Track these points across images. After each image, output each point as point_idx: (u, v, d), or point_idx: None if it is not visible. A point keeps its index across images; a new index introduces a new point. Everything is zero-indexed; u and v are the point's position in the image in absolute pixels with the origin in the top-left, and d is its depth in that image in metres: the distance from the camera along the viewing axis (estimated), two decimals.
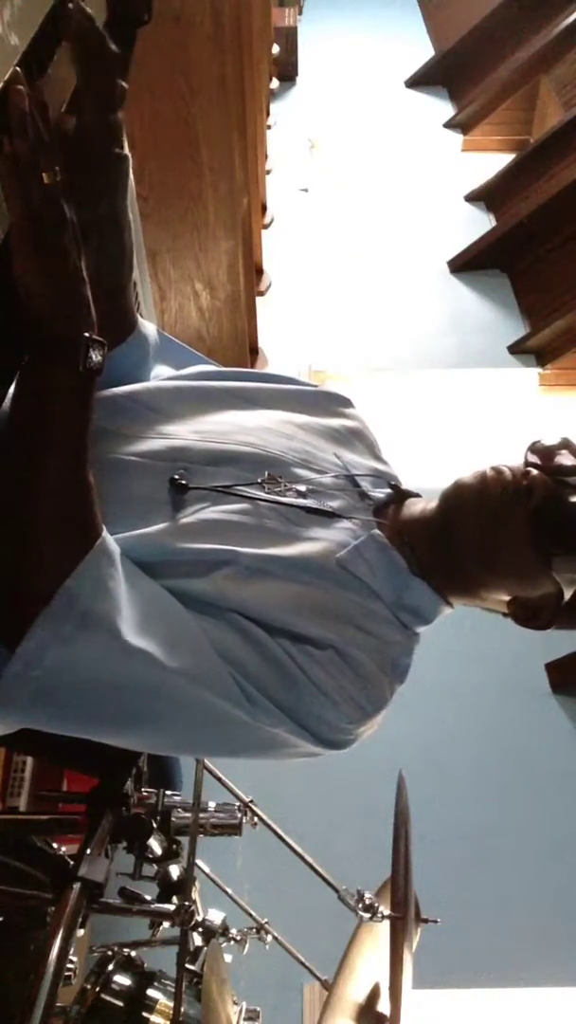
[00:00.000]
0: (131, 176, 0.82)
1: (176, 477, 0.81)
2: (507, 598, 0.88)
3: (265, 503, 0.82)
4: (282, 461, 0.87)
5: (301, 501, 0.84)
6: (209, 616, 0.73)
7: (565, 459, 0.84)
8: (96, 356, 0.66)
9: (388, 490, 0.93)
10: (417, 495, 0.95)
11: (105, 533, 0.70)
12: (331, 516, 0.85)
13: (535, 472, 0.83)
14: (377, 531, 0.87)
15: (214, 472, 0.83)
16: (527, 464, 0.86)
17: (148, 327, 1.01)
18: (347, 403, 1.04)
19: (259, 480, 0.84)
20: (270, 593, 0.76)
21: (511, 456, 0.89)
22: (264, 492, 0.83)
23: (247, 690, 0.71)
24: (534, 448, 0.87)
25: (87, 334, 0.66)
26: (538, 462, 0.85)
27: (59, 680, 0.66)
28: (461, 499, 0.86)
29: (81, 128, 0.76)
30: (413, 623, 0.87)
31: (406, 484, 0.97)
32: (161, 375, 1.01)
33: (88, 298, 0.67)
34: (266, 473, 0.85)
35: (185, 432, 0.88)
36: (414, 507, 0.92)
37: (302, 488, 0.86)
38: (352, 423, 1.01)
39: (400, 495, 0.94)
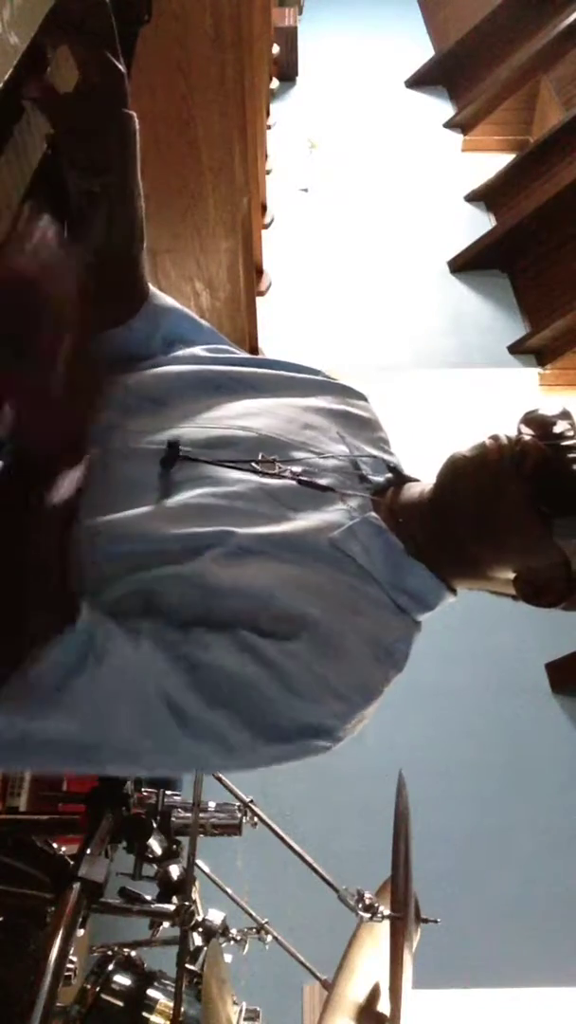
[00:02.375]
0: (138, 140, 0.81)
1: (166, 457, 0.80)
2: (512, 575, 0.85)
3: (256, 484, 0.81)
4: (279, 443, 0.86)
5: (294, 481, 0.83)
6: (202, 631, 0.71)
7: (562, 428, 0.82)
8: None
9: (388, 474, 0.91)
10: (418, 480, 0.93)
11: (84, 612, 0.67)
12: (324, 491, 0.83)
13: (528, 437, 0.81)
14: (373, 513, 0.85)
15: (208, 455, 0.82)
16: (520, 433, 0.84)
17: (164, 299, 0.99)
18: (362, 397, 1.02)
19: (253, 461, 0.83)
20: (258, 573, 0.74)
21: None
22: (258, 473, 0.82)
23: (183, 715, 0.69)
24: (528, 419, 0.84)
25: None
26: (531, 432, 0.82)
27: (26, 742, 0.66)
28: (459, 471, 0.84)
29: (87, 85, 0.75)
30: (412, 608, 0.84)
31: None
32: (175, 351, 1.00)
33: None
34: (260, 455, 0.84)
35: (181, 419, 0.87)
36: (412, 489, 0.90)
37: (297, 469, 0.84)
38: (363, 414, 0.99)
39: (400, 479, 0.92)
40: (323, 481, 0.85)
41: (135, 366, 0.94)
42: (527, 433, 0.82)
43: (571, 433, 0.82)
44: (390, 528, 0.85)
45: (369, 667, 0.76)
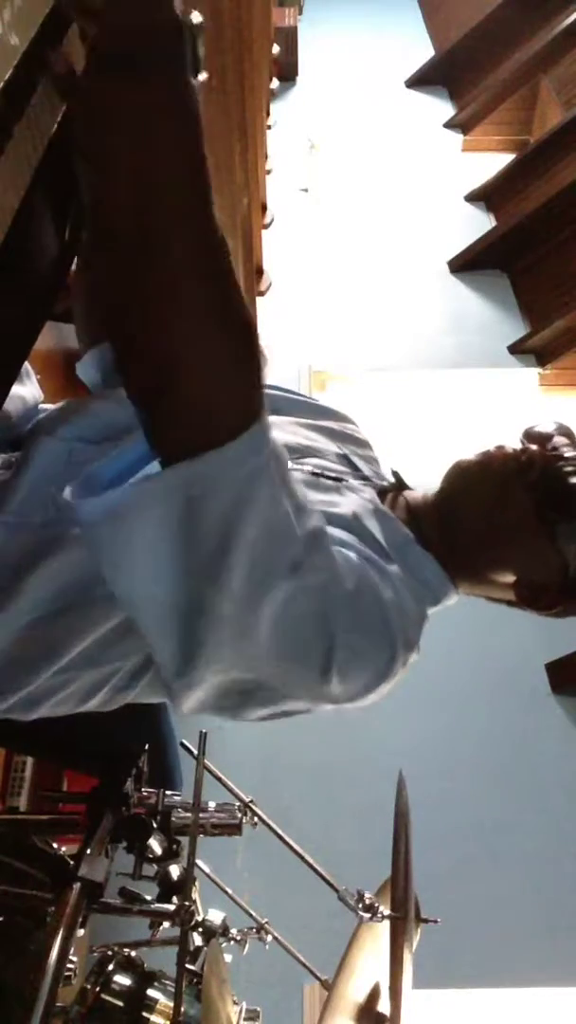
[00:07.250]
0: None
1: None
2: (512, 579, 0.88)
3: None
4: (289, 448, 0.88)
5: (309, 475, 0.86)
6: None
7: (560, 444, 0.87)
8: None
9: (391, 479, 0.95)
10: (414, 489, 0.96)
11: None
12: (340, 481, 0.86)
13: (533, 447, 0.86)
14: (384, 505, 0.88)
15: None
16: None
17: None
18: (349, 420, 1.06)
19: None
20: None
21: None
22: None
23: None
24: (530, 433, 0.89)
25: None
26: (534, 446, 0.87)
27: (209, 503, 0.57)
28: (465, 475, 0.88)
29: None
30: (425, 598, 0.83)
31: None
32: None
33: None
34: None
35: None
36: (415, 494, 0.93)
37: (309, 467, 0.87)
38: (356, 434, 1.03)
39: (400, 485, 0.95)
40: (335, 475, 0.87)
41: None
42: (530, 446, 0.87)
43: (569, 448, 0.87)
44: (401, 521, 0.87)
45: (413, 617, 0.75)
